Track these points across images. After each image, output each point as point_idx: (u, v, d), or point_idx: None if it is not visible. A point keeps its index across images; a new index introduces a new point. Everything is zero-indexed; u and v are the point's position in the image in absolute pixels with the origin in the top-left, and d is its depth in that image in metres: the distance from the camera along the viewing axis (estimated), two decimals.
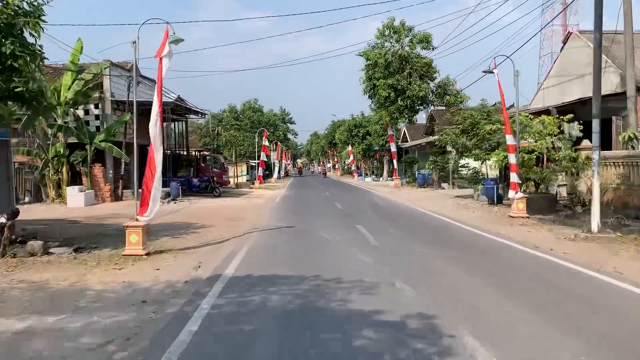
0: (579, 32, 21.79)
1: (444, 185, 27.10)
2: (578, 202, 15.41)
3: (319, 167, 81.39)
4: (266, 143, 37.96)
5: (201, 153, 30.97)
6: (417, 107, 29.11)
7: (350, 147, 54.33)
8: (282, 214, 17.18)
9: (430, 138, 39.34)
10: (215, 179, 26.83)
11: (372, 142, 46.81)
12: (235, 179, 40.42)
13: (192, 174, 27.88)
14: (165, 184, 19.27)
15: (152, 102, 9.82)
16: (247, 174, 50.47)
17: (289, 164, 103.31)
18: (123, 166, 22.62)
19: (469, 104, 28.49)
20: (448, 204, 19.12)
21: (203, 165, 29.19)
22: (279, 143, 57.04)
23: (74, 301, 6.29)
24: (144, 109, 16.98)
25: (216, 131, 59.59)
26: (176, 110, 28.33)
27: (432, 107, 29.69)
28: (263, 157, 37.89)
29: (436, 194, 24.44)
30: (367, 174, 53.28)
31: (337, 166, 78.89)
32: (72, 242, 10.73)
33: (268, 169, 66.54)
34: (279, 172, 62.95)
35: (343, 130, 49.20)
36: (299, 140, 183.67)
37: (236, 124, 38.79)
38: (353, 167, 54.68)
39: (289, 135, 76.99)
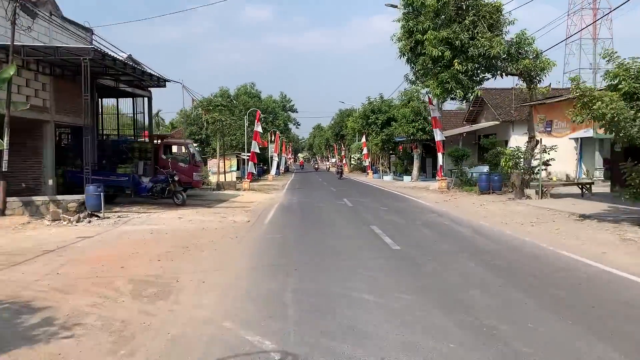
0: None
1: (528, 192, 17.62)
2: None
3: (333, 161, 71.17)
4: (259, 129, 28.41)
5: (162, 141, 21.31)
6: (482, 75, 19.57)
7: (364, 139, 44.91)
8: (279, 264, 7.88)
9: (486, 124, 30.16)
10: (177, 178, 17.44)
11: (395, 131, 37.35)
12: (219, 176, 31.02)
13: (144, 170, 18.49)
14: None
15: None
16: (239, 169, 41.03)
17: (290, 159, 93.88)
18: (4, 157, 13.20)
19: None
20: (616, 243, 9.58)
21: (163, 157, 19.69)
22: (278, 133, 47.55)
23: None
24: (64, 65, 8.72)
25: (200, 116, 50.22)
26: (121, 76, 18.89)
27: (487, 79, 19.97)
28: (255, 147, 28.42)
29: (537, 210, 14.87)
30: (385, 171, 43.85)
31: (344, 161, 69.40)
32: None
33: (265, 163, 57.13)
34: (277, 167, 53.60)
35: (357, 117, 39.78)
36: (300, 134, 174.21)
37: (221, 105, 29.29)
38: (367, 163, 45.28)
39: (290, 126, 67.50)
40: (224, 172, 36.05)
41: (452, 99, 20.73)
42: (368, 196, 21.67)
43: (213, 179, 33.21)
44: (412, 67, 20.93)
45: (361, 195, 22.07)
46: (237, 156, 38.01)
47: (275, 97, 64.19)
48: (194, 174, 20.19)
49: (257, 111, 29.22)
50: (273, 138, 48.67)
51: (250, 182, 28.50)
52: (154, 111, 73.22)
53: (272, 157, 44.48)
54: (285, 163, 79.09)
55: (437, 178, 24.03)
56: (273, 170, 43.15)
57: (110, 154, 19.69)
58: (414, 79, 21.36)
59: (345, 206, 17.49)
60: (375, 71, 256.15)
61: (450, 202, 18.24)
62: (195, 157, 20.32)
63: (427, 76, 20.03)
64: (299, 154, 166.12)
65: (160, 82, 21.57)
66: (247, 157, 41.46)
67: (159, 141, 20.91)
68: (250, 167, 28.58)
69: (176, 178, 17.40)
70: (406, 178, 36.50)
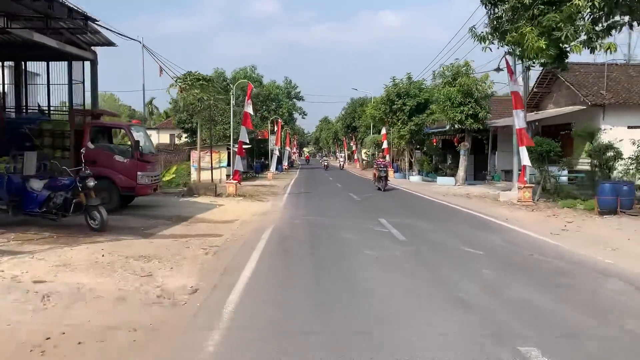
0: None
1: None
2: None
3: (340, 157, 62.85)
4: (250, 110, 20.64)
5: (88, 122, 13.12)
6: (617, 20, 11.74)
7: (384, 130, 37.16)
8: None
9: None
10: (91, 184, 9.77)
11: (426, 120, 29.64)
12: (197, 175, 23.44)
13: (40, 167, 10.88)
14: None
15: None
16: (230, 164, 33.38)
17: (294, 153, 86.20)
18: None
19: None
20: None
21: (90, 146, 11.95)
22: (279, 121, 39.82)
23: None
24: None
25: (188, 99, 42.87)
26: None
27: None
28: (244, 135, 20.82)
29: None
30: (408, 170, 36.10)
31: (355, 156, 61.67)
32: None
33: (266, 157, 49.48)
34: (278, 163, 45.92)
35: (378, 101, 31.96)
36: (306, 127, 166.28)
37: (203, 80, 21.55)
38: (387, 159, 37.49)
39: (296, 115, 59.73)
40: (211, 169, 28.49)
41: (557, 60, 12.81)
42: (417, 214, 13.89)
43: (204, 177, 25.62)
44: (493, 10, 13.14)
45: (405, 212, 14.29)
46: (227, 148, 30.38)
47: (279, 83, 56.56)
48: (139, 173, 12.54)
49: (248, 84, 21.32)
50: (275, 128, 40.95)
51: (240, 182, 20.88)
52: (146, 98, 63.74)
53: (272, 151, 36.72)
54: (290, 158, 71.54)
55: (517, 184, 16.16)
56: (273, 167, 35.46)
57: (3, 139, 12.06)
58: (489, 30, 13.49)
59: (391, 237, 9.79)
60: (384, 67, 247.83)
61: (574, 231, 10.48)
62: (140, 147, 12.63)
63: (518, 21, 12.21)
64: (304, 149, 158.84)
65: (97, 36, 14.03)
66: (233, 149, 33.82)
67: (84, 120, 13.10)
68: (238, 164, 20.91)
69: (90, 183, 9.72)
70: (442, 180, 28.72)
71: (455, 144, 25.85)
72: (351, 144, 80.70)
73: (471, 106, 22.27)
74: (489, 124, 23.39)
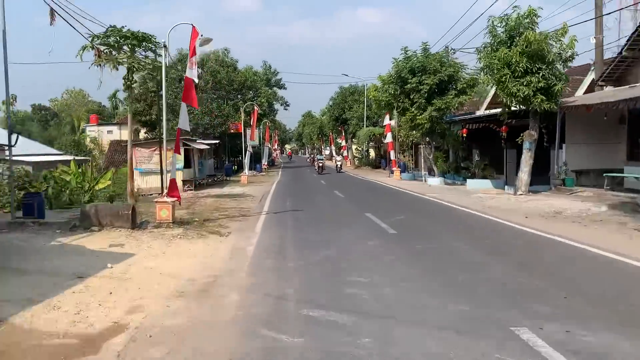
0: None
1: None
2: None
3: (337, 157, 44.13)
4: (193, 76, 11.99)
5: None
6: None
7: (387, 119, 29.49)
8: None
9: None
10: None
11: (451, 103, 22.15)
12: (131, 183, 15.35)
13: None
14: None
15: None
16: (190, 166, 25.24)
17: (275, 150, 78.14)
18: None
19: None
20: None
21: None
22: (256, 109, 31.61)
23: None
24: None
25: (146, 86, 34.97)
26: None
27: None
28: (184, 122, 12.47)
29: None
30: (412, 170, 28.58)
31: (345, 153, 53.99)
32: None
33: (241, 155, 41.44)
34: (256, 162, 38.05)
35: (386, 81, 24.06)
36: (287, 123, 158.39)
37: (132, 37, 13.67)
38: (391, 156, 29.87)
39: (277, 106, 51.66)
40: (160, 172, 20.71)
41: None
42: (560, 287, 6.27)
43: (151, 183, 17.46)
44: None
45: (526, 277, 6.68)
46: (185, 144, 22.29)
47: (257, 68, 48.44)
48: None
49: (192, 28, 12.83)
50: (251, 119, 32.88)
51: (180, 201, 12.97)
52: (110, 90, 54.28)
53: (247, 149, 28.67)
54: (270, 155, 63.63)
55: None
56: (246, 168, 27.33)
57: None
58: None
59: None
60: (364, 63, 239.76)
61: None
62: None
63: None
64: (286, 145, 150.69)
65: None
66: (206, 147, 25.84)
67: None
68: (175, 169, 12.83)
69: None
70: (474, 184, 21.27)
71: (502, 133, 18.31)
72: (339, 140, 73.01)
73: (542, 75, 14.64)
74: (562, 103, 15.82)
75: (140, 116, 40.00)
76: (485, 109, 25.83)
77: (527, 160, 15.83)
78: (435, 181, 24.24)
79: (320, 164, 36.72)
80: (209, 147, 25.55)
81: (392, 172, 30.46)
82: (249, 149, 26.67)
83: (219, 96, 35.68)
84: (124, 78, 15.09)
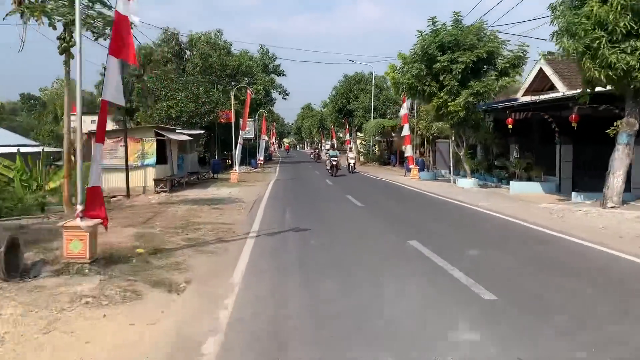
0: None
1: None
2: None
3: (349, 154, 32.48)
4: (130, 14, 7.32)
5: None
6: None
7: (404, 109, 25.01)
8: None
9: None
10: None
11: (489, 87, 17.73)
12: (65, 184, 10.76)
13: None
14: None
15: None
16: (166, 162, 20.60)
17: (273, 144, 73.63)
18: None
19: None
20: None
21: None
22: (249, 92, 26.49)
23: None
24: None
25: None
26: None
27: None
28: (111, 90, 7.62)
29: None
30: (431, 168, 24.15)
31: (350, 147, 49.37)
32: None
33: (230, 148, 36.95)
34: (251, 157, 33.69)
35: (409, 60, 19.45)
36: (286, 116, 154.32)
37: None
38: (407, 151, 25.36)
39: (276, 95, 46.94)
40: (126, 169, 16.28)
41: None
42: None
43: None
44: None
45: None
46: (158, 133, 17.67)
47: (253, 53, 43.76)
48: None
49: None
50: (242, 104, 28.26)
51: (106, 225, 8.63)
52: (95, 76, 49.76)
53: (239, 141, 23.97)
54: (267, 149, 59.06)
55: None
56: (237, 165, 22.56)
57: None
58: None
59: None
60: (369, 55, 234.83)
61: None
62: None
63: None
64: (285, 139, 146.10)
65: None
66: (187, 138, 21.47)
67: None
68: (95, 171, 7.32)
69: None
70: (521, 187, 16.98)
71: (573, 123, 13.84)
72: (340, 134, 68.46)
73: None
74: None
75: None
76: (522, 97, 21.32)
77: (623, 158, 11.35)
78: (466, 183, 19.78)
79: (334, 163, 25.68)
80: (191, 138, 21.02)
81: (408, 170, 25.98)
82: (241, 141, 22.07)
83: (209, 81, 31.06)
84: (58, 38, 10.64)
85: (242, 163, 40.27)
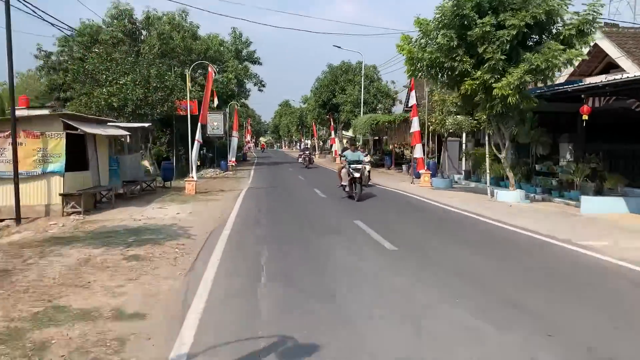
0: None
1: None
2: None
3: (364, 160, 25.74)
4: None
5: None
6: None
7: (413, 99, 19.50)
8: None
9: None
10: None
11: (560, 57, 12.36)
12: None
13: None
14: None
15: None
16: (109, 165, 14.68)
17: (248, 142, 67.74)
18: None
19: None
20: None
21: None
22: (211, 70, 20.26)
23: None
24: None
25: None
26: None
27: None
28: None
29: None
30: (456, 173, 18.88)
31: (334, 147, 43.76)
32: None
33: (207, 149, 30.97)
34: (215, 157, 28.11)
35: (432, 27, 14.23)
36: (262, 113, 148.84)
37: None
38: (417, 152, 19.86)
39: (250, 86, 40.87)
40: (14, 178, 10.30)
41: None
42: None
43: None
44: None
45: None
46: (67, 124, 11.75)
47: (224, 37, 37.62)
48: None
49: None
50: (204, 89, 22.31)
51: None
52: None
53: (197, 138, 17.78)
54: (241, 149, 53.14)
55: None
56: (194, 167, 16.03)
57: None
58: None
59: None
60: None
61: None
62: None
63: None
64: (261, 138, 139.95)
65: None
66: (124, 133, 15.57)
67: None
68: None
69: None
70: (591, 205, 11.87)
71: None
72: (323, 131, 62.91)
73: None
74: None
75: (58, 91, 29.08)
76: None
77: None
78: (510, 196, 14.39)
79: (358, 175, 14.21)
80: (129, 133, 15.05)
81: (417, 175, 20.56)
82: (198, 137, 16.06)
83: (165, 64, 25.12)
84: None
85: (210, 165, 34.35)
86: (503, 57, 13.06)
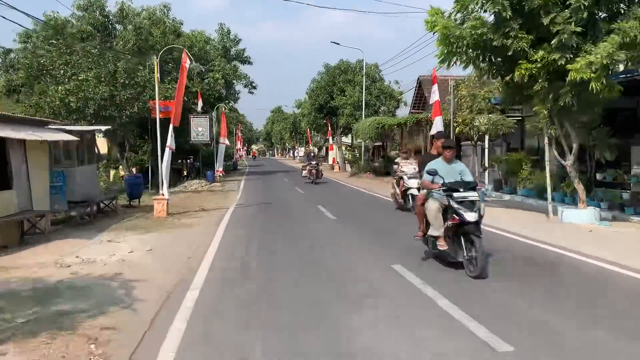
0: None
1: None
2: None
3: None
4: None
5: None
6: None
7: (436, 94, 16.09)
8: None
9: None
10: None
11: None
12: None
13: None
14: None
15: None
16: (55, 179, 11.13)
17: (239, 150, 64.23)
18: None
19: None
20: None
21: None
22: (185, 58, 16.81)
23: None
24: None
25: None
26: None
27: None
28: None
29: None
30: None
31: (335, 154, 40.25)
32: None
33: (186, 154, 27.58)
34: (207, 167, 24.75)
35: None
36: (253, 118, 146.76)
37: None
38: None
39: (240, 88, 37.19)
40: None
41: None
42: None
43: None
44: None
45: None
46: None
47: (210, 34, 33.99)
48: None
49: None
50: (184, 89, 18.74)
51: None
52: None
53: (166, 146, 13.98)
54: (232, 157, 49.74)
55: None
56: (164, 182, 12.19)
57: None
58: None
59: None
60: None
61: None
62: None
63: None
64: (253, 146, 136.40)
65: None
66: (71, 138, 11.90)
67: None
68: None
69: None
70: None
71: None
72: (318, 138, 59.51)
73: None
74: None
75: (17, 93, 25.33)
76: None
77: None
78: (581, 216, 10.91)
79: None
80: (77, 138, 11.40)
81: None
82: (170, 144, 12.31)
83: (135, 56, 21.55)
84: None
85: (196, 176, 30.76)
86: (578, 29, 9.64)
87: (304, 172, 24.95)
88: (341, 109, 35.55)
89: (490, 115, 15.46)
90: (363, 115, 32.53)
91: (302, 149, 71.30)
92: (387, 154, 31.85)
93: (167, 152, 12.37)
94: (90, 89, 16.51)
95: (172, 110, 12.72)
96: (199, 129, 26.70)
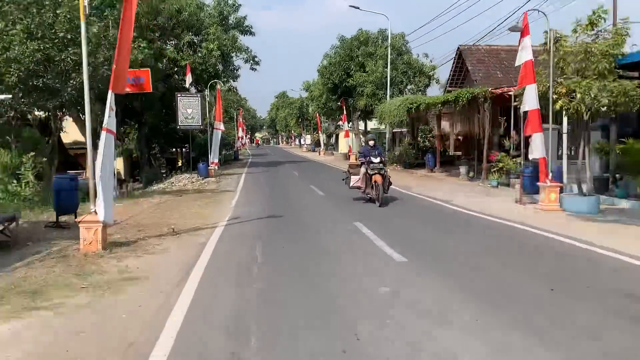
0: None
1: None
2: None
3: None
4: None
5: None
6: None
7: (529, 50, 10.80)
8: None
9: None
10: None
11: None
12: None
13: None
14: None
15: None
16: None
17: (241, 138, 58.87)
18: None
19: None
20: None
21: None
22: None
23: None
24: None
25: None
26: None
27: None
28: None
29: None
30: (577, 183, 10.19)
31: (351, 142, 34.75)
32: None
33: (173, 143, 22.40)
34: (198, 160, 19.28)
35: None
36: (256, 106, 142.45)
37: None
38: (535, 147, 11.00)
39: (239, 62, 31.55)
40: None
41: None
42: None
43: None
44: None
45: None
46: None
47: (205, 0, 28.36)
48: None
49: None
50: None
51: None
52: None
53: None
54: (233, 146, 44.53)
55: None
56: (100, 192, 6.83)
57: None
58: None
59: None
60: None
61: None
62: None
63: None
64: (257, 134, 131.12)
65: None
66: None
67: None
68: None
69: None
70: None
71: None
72: (327, 123, 54.15)
73: None
74: None
75: None
76: None
77: None
78: None
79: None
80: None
81: (533, 190, 11.75)
82: (107, 125, 6.83)
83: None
84: None
85: (186, 169, 25.54)
86: None
87: (355, 179, 12.92)
88: (360, 87, 29.97)
89: (621, 81, 10.01)
90: (388, 95, 27.01)
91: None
92: (418, 141, 26.35)
93: (104, 137, 6.99)
94: (15, 47, 11.17)
95: (115, 65, 7.35)
96: (188, 110, 21.34)
